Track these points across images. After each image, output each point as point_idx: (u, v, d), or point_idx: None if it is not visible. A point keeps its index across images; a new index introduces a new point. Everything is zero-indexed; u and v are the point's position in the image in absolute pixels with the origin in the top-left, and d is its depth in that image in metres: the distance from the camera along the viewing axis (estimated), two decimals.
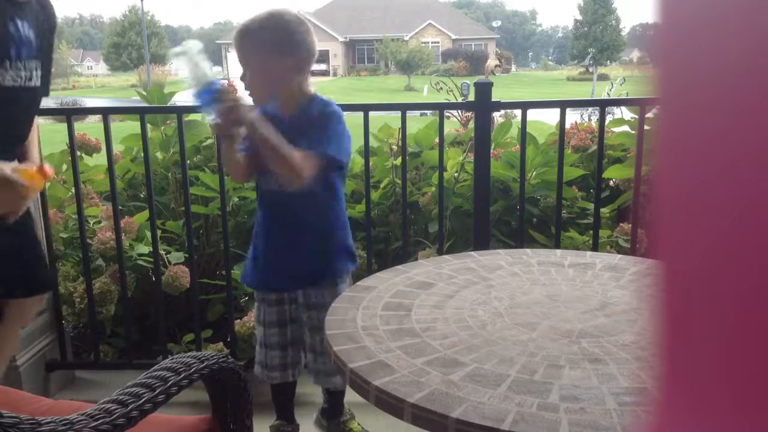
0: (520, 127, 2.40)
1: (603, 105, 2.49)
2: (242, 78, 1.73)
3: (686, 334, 0.25)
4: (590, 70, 43.85)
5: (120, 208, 2.49)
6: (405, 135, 2.40)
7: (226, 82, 3.05)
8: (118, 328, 2.66)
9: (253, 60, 1.70)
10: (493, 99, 2.31)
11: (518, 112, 2.41)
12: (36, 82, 1.64)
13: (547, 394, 0.98)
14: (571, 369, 1.06)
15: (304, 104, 1.75)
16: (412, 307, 1.34)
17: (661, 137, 0.25)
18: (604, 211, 2.71)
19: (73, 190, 2.52)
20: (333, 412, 2.03)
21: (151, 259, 2.46)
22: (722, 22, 0.23)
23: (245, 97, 1.67)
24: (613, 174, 2.73)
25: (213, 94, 1.47)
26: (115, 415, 1.08)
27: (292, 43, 1.69)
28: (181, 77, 1.48)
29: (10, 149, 1.69)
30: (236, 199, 2.74)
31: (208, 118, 1.53)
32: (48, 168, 1.49)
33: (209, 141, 2.76)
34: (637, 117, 2.69)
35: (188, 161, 2.51)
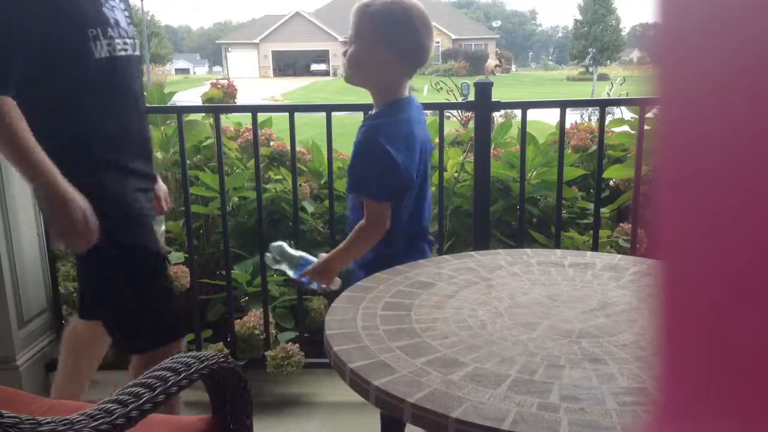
0: (520, 127, 2.40)
1: (603, 105, 2.49)
2: (344, 53, 1.66)
3: (686, 334, 0.25)
4: (590, 70, 43.82)
5: None
6: None
7: (225, 82, 3.05)
8: None
9: (359, 38, 1.62)
10: (493, 99, 2.31)
11: (518, 112, 2.41)
12: (138, 51, 1.79)
13: (547, 394, 0.98)
14: (571, 369, 1.06)
15: (380, 106, 1.67)
16: (412, 307, 1.34)
17: (661, 137, 0.25)
18: (604, 211, 2.70)
19: None
20: None
21: None
22: (722, 22, 0.23)
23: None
24: (613, 174, 2.73)
25: (303, 268, 1.73)
26: (115, 415, 1.08)
27: (404, 38, 1.61)
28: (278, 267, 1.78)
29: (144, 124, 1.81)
30: (236, 199, 2.74)
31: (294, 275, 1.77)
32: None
33: (209, 141, 2.77)
34: (637, 117, 2.69)
35: (188, 161, 2.51)
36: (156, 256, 1.79)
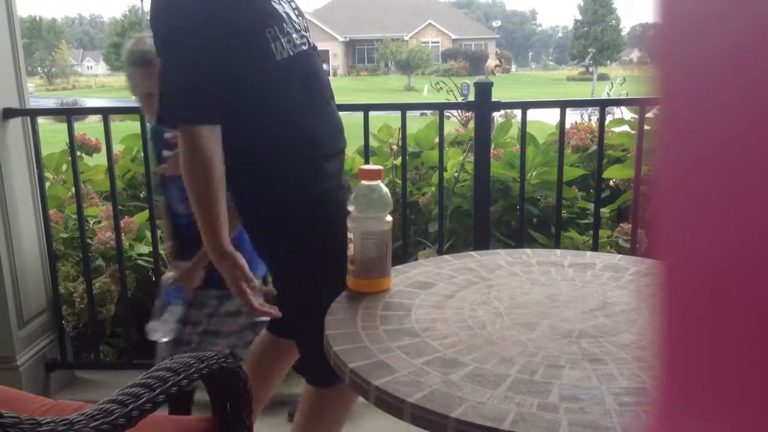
0: (520, 127, 2.40)
1: (603, 105, 2.49)
2: None
3: (685, 333, 0.25)
4: (590, 70, 43.83)
5: (120, 208, 2.49)
6: (405, 135, 2.40)
7: None
8: (118, 328, 2.66)
9: None
10: (493, 99, 2.31)
11: (518, 112, 2.41)
12: (314, 44, 1.62)
13: (547, 394, 0.98)
14: (571, 369, 1.06)
15: None
16: (412, 307, 1.33)
17: (661, 137, 0.25)
18: (604, 211, 2.70)
19: (73, 190, 2.52)
20: None
21: (151, 259, 2.46)
22: (722, 21, 0.22)
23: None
24: (613, 174, 2.73)
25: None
26: (115, 415, 1.08)
27: None
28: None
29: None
30: None
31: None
32: None
33: None
34: (637, 117, 2.69)
35: None
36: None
